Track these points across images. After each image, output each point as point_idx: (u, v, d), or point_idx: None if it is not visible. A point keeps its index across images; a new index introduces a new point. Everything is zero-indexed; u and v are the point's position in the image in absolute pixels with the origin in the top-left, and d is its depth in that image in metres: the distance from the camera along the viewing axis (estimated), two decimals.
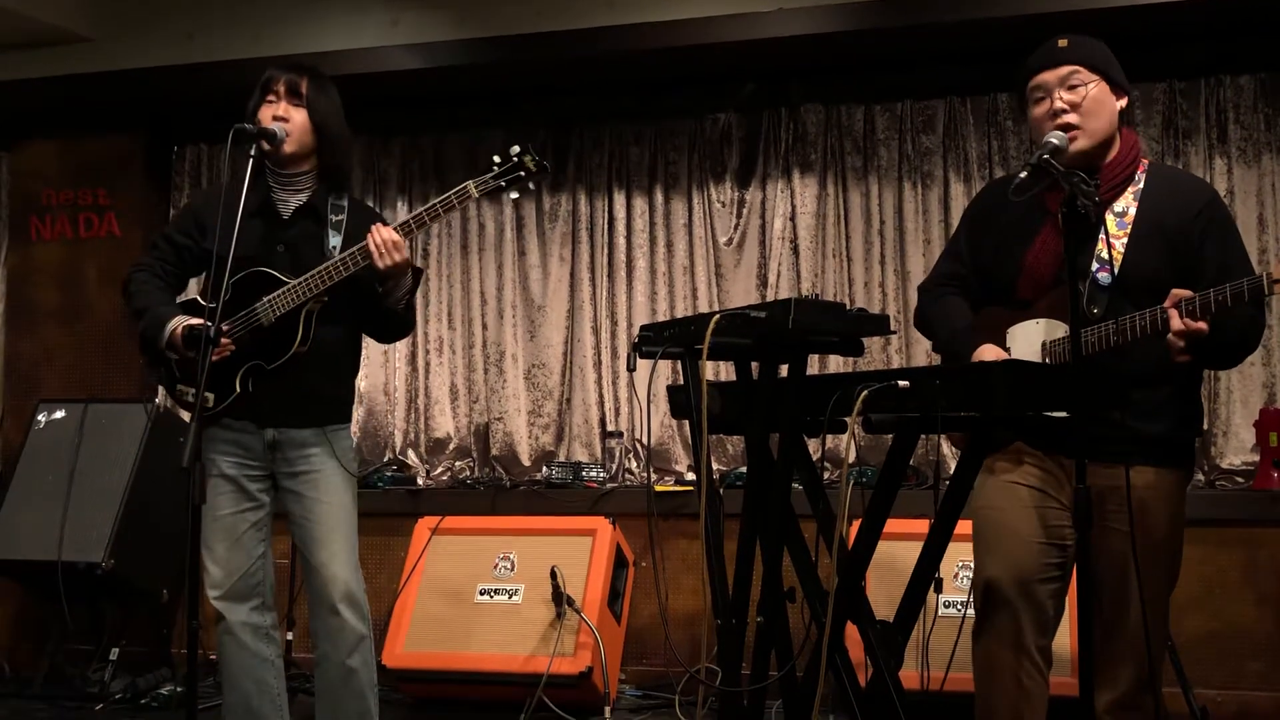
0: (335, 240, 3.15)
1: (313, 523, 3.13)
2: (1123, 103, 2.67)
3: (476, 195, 3.03)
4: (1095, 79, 2.62)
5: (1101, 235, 2.55)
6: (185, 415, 3.33)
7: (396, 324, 3.29)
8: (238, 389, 3.09)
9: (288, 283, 3.06)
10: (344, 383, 3.31)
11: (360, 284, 3.10)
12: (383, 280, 3.09)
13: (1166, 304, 2.43)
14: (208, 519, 3.11)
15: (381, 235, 3.01)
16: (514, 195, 3.06)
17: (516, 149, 3.02)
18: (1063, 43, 2.66)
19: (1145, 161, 2.70)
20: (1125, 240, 2.58)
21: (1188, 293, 2.41)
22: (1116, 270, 2.56)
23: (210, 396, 3.10)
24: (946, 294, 2.89)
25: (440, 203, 3.03)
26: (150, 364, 3.22)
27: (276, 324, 3.07)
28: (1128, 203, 2.62)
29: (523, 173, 3.02)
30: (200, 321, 3.03)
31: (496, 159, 3.04)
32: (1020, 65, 2.73)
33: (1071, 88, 2.60)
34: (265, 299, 3.07)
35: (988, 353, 2.67)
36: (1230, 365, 3.11)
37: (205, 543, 3.11)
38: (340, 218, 3.19)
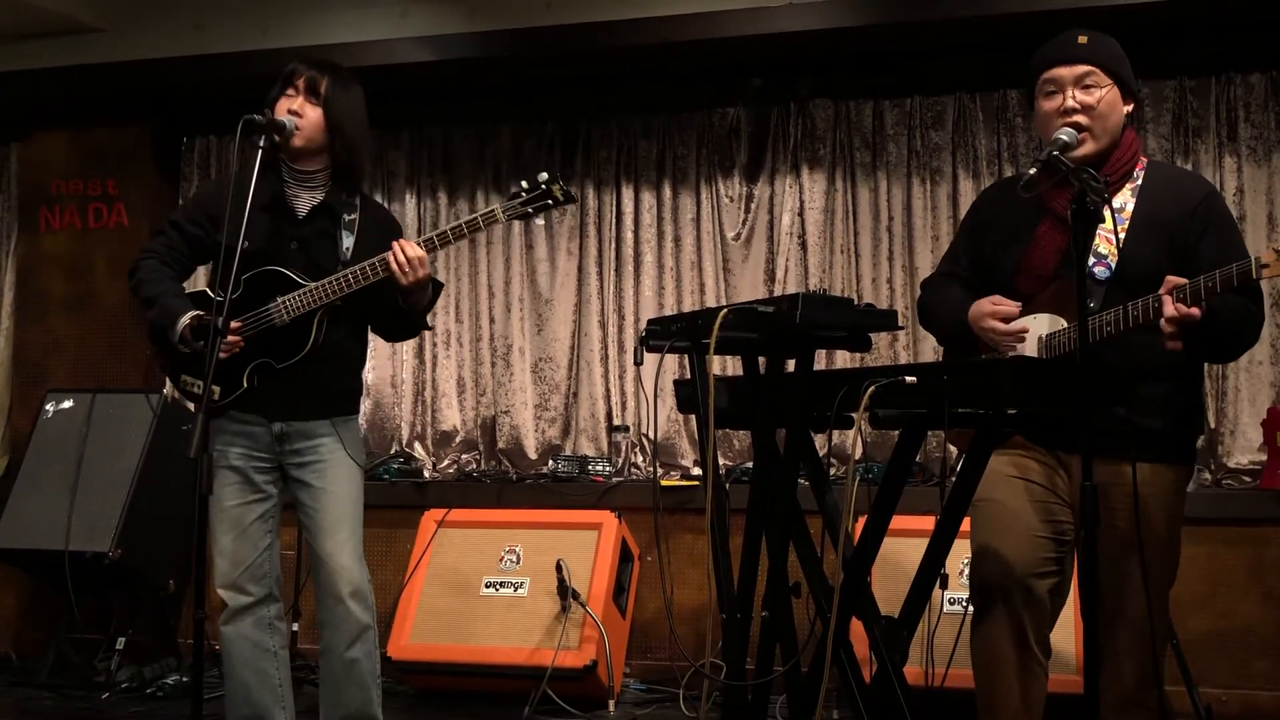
0: (348, 241, 3.16)
1: (320, 512, 3.15)
2: (1129, 108, 2.67)
3: (504, 220, 3.09)
4: (1110, 83, 2.62)
5: (1099, 231, 2.56)
6: (190, 405, 3.33)
7: (406, 329, 3.33)
8: (244, 385, 3.10)
9: (302, 283, 3.07)
10: (353, 376, 3.33)
11: (375, 289, 3.10)
12: (404, 295, 3.09)
13: (1162, 291, 2.43)
14: (214, 510, 3.12)
15: (406, 254, 3.01)
16: (539, 221, 3.11)
17: (544, 176, 3.07)
18: (1082, 39, 2.65)
19: (1144, 160, 2.71)
20: (1123, 235, 2.58)
21: (1182, 280, 2.42)
22: (1114, 265, 2.56)
23: (217, 389, 3.10)
24: (945, 283, 2.91)
25: (467, 223, 3.07)
26: (158, 352, 3.23)
27: (290, 324, 3.08)
28: (1125, 199, 2.64)
29: (550, 201, 3.07)
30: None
31: (525, 184, 3.08)
32: (1034, 54, 2.72)
33: (1086, 88, 2.60)
34: (280, 300, 3.07)
35: (983, 305, 2.68)
36: (1226, 359, 3.11)
37: (212, 534, 3.12)
38: (353, 217, 3.19)
